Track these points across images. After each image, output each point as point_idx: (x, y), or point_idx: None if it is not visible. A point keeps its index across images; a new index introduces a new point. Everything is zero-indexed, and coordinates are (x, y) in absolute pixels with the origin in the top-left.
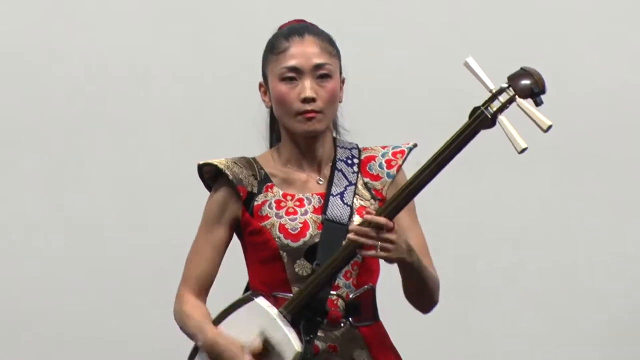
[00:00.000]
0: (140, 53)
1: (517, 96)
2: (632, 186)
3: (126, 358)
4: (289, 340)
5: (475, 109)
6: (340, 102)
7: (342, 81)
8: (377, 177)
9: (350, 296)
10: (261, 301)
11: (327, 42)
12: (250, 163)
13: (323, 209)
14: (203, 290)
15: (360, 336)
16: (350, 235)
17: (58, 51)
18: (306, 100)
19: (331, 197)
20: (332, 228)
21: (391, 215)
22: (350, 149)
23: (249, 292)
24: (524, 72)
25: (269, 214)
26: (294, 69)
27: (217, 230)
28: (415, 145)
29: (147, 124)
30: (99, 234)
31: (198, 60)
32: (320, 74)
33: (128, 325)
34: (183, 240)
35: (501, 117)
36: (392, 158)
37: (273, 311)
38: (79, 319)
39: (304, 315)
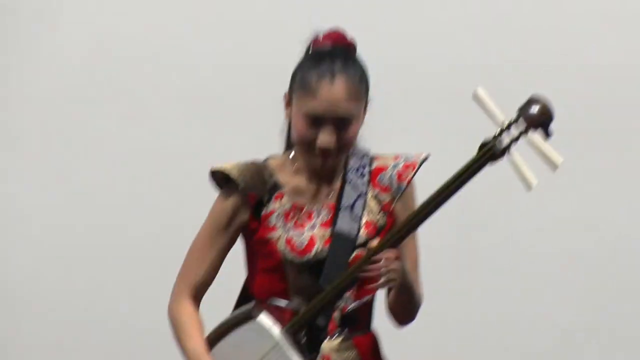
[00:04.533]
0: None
1: (528, 130)
2: None
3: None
4: None
5: (484, 144)
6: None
7: (367, 105)
8: (386, 189)
9: (348, 308)
10: (263, 320)
11: (358, 83)
12: (260, 169)
13: (332, 221)
14: (200, 295)
15: (353, 346)
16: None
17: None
18: (323, 148)
19: (341, 210)
20: (340, 242)
21: (396, 245)
22: (362, 157)
23: (248, 307)
24: (534, 102)
25: (276, 225)
26: (318, 116)
27: (222, 236)
28: (427, 157)
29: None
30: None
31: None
32: (344, 121)
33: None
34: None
35: (513, 153)
36: (403, 171)
37: (276, 332)
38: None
39: (306, 334)
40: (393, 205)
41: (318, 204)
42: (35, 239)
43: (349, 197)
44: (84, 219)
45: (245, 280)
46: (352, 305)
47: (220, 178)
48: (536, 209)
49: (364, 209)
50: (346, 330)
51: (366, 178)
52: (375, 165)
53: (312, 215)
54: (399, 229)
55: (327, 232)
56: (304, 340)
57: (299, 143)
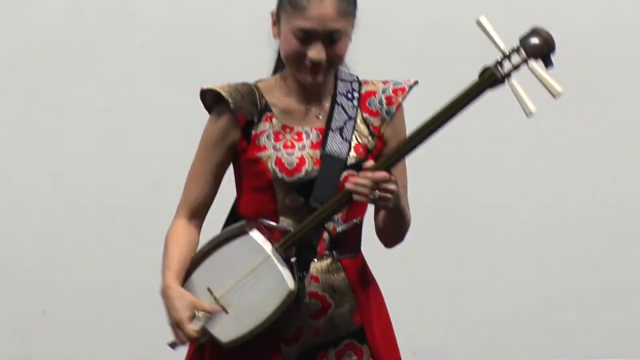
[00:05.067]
0: None
1: (529, 59)
2: None
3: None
4: (283, 279)
5: (486, 69)
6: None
7: (354, 21)
8: (376, 114)
9: (338, 230)
10: (256, 235)
11: (346, 1)
12: (251, 90)
13: (322, 143)
14: (199, 213)
15: (341, 268)
16: (348, 185)
17: None
18: (314, 62)
19: (330, 131)
20: (331, 163)
21: (390, 168)
22: (350, 82)
23: (242, 223)
24: (536, 33)
25: (266, 145)
26: (307, 31)
27: (215, 154)
28: (416, 83)
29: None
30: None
31: None
32: (333, 37)
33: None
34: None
35: (512, 80)
36: (392, 95)
37: (268, 247)
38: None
39: (296, 253)
40: (382, 129)
41: (308, 125)
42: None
43: (338, 119)
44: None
45: (235, 200)
46: (341, 227)
47: (211, 98)
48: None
49: (353, 131)
50: (335, 252)
51: (355, 101)
52: (364, 89)
53: (302, 136)
54: (394, 152)
55: (317, 152)
56: (294, 259)
57: (288, 59)
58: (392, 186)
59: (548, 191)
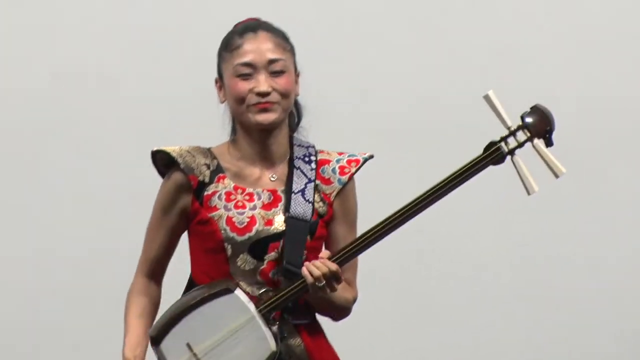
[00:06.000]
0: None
1: (534, 138)
2: None
3: None
4: (266, 340)
5: (492, 144)
6: (296, 95)
7: (298, 75)
8: (328, 182)
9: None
10: (241, 294)
11: (281, 38)
12: (204, 152)
13: (285, 206)
14: (156, 274)
15: (296, 332)
16: (305, 273)
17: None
18: (261, 94)
19: (293, 194)
20: (296, 225)
21: (349, 258)
22: (307, 147)
23: (226, 282)
24: (539, 111)
25: (217, 205)
26: (248, 64)
27: (168, 219)
28: (371, 157)
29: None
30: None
31: (153, 54)
32: (274, 70)
33: None
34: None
35: (517, 157)
36: (346, 165)
37: (252, 307)
38: None
39: (279, 316)
40: (332, 197)
41: (260, 187)
42: None
43: (298, 182)
44: None
45: (191, 274)
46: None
47: (162, 161)
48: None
49: (314, 193)
50: (290, 317)
51: (314, 164)
52: (319, 157)
53: (254, 197)
54: (385, 222)
55: (268, 213)
56: (276, 323)
57: (235, 103)
58: (337, 286)
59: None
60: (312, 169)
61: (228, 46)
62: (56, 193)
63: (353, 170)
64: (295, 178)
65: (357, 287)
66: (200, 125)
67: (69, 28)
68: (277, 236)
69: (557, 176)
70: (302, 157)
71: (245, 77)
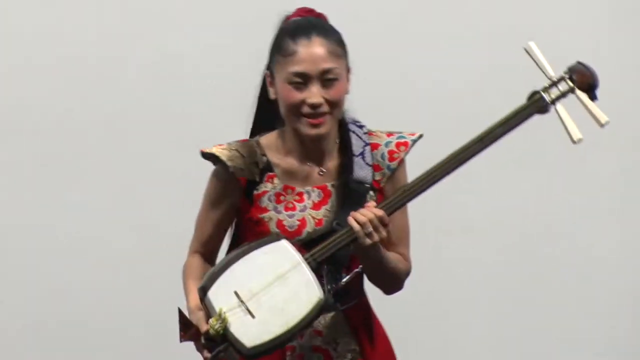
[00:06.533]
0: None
1: (576, 88)
2: None
3: None
4: (313, 286)
5: (534, 93)
6: (347, 93)
7: (349, 71)
8: (378, 167)
9: (341, 282)
10: (287, 243)
11: (335, 43)
12: (252, 150)
13: (348, 170)
14: (210, 249)
15: (344, 318)
16: (351, 220)
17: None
18: (313, 106)
19: (354, 157)
20: (357, 187)
21: (397, 207)
22: (355, 123)
23: (273, 233)
24: (583, 66)
25: (268, 207)
26: (301, 74)
27: (216, 211)
28: (420, 136)
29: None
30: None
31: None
32: (328, 78)
33: None
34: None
35: (559, 105)
36: (395, 150)
37: (299, 255)
38: None
39: (326, 268)
40: (382, 184)
41: (310, 184)
42: None
43: (357, 145)
44: None
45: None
46: (344, 280)
47: (211, 159)
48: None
49: (372, 155)
50: (339, 304)
51: (366, 129)
52: (370, 140)
53: (304, 197)
54: (408, 189)
55: (319, 213)
56: (325, 273)
57: (287, 111)
58: (384, 232)
59: None
60: (365, 133)
61: (281, 50)
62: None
63: (402, 155)
64: (353, 141)
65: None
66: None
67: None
68: (328, 235)
69: (601, 125)
70: (353, 126)
71: (297, 86)
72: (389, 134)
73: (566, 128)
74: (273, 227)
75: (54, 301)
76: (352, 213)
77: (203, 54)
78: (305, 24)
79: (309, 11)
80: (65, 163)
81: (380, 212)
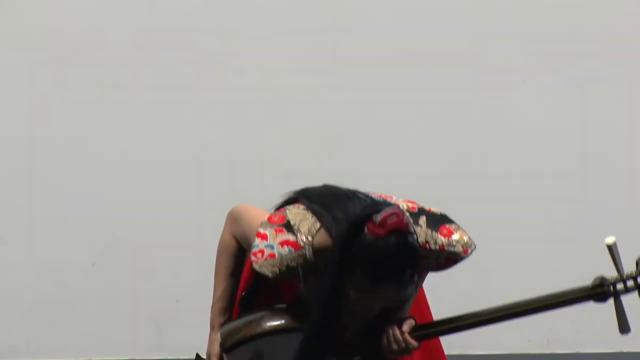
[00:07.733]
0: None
1: None
2: None
3: None
4: None
5: (603, 282)
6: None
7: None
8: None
9: None
10: None
11: (407, 286)
12: (305, 259)
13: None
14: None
15: None
16: (385, 343)
17: None
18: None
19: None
20: None
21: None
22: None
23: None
24: None
25: None
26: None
27: None
28: (474, 249)
29: None
30: None
31: None
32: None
33: None
34: None
35: (622, 299)
36: (443, 263)
37: None
38: None
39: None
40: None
41: None
42: None
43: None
44: None
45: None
46: None
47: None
48: None
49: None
50: None
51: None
52: (421, 252)
53: None
54: (443, 325)
55: None
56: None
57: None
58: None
59: None
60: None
61: (357, 284)
62: None
63: (449, 268)
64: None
65: None
66: None
67: None
68: None
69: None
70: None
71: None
72: (441, 247)
73: (619, 319)
74: None
75: None
76: (388, 337)
77: None
78: (385, 269)
79: (398, 226)
80: None
81: (414, 345)
